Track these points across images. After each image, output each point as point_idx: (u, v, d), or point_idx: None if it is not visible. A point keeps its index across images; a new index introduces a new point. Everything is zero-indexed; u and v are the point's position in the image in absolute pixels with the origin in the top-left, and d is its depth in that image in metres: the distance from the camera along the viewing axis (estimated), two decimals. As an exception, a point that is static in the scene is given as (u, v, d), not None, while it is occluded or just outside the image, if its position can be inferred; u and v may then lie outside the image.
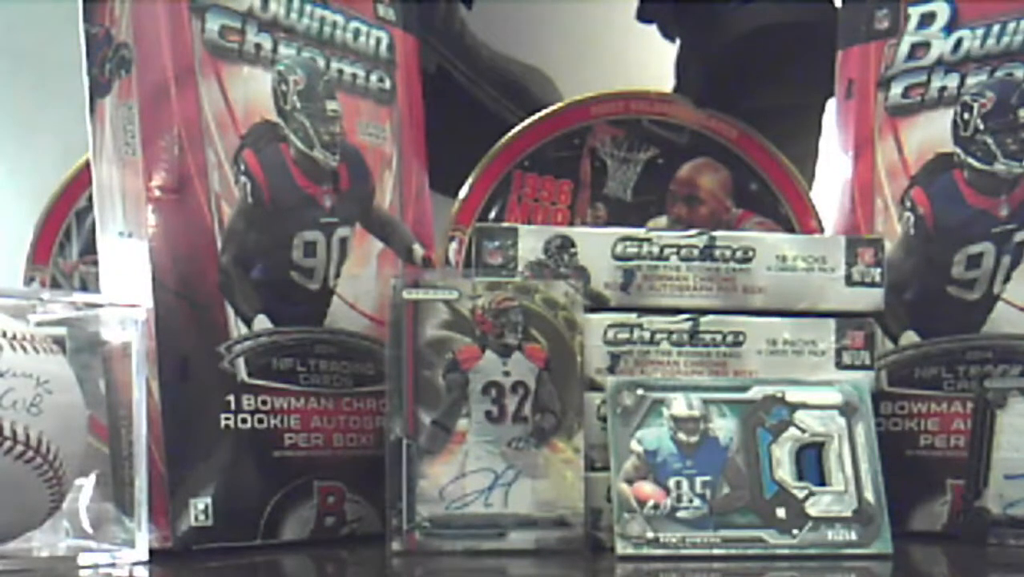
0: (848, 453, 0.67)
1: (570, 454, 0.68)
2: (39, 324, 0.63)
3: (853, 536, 0.65)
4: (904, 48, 0.79)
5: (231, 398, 0.69)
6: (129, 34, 0.68)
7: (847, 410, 0.68)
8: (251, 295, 0.70)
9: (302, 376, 0.72)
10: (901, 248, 0.78)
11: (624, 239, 0.71)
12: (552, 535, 0.67)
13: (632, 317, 0.70)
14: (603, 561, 0.65)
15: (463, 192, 0.89)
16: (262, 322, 0.70)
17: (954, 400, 0.75)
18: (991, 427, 0.70)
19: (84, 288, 0.92)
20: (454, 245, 0.88)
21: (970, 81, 0.77)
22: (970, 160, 0.76)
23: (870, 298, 0.73)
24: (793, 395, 0.68)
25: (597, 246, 0.71)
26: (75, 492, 0.64)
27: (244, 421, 0.69)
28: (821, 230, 0.88)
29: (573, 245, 0.71)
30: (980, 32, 0.77)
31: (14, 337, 0.59)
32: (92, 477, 0.66)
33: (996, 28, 0.76)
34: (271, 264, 0.71)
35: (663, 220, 0.91)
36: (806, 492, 0.66)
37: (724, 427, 0.67)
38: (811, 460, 0.67)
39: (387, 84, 0.79)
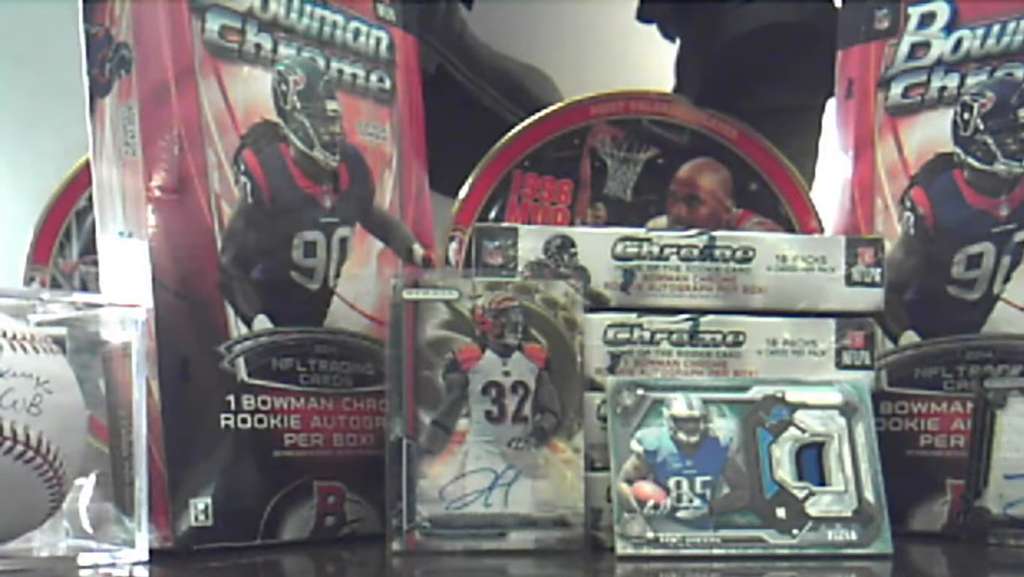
0: (848, 453, 0.67)
1: (570, 454, 0.68)
2: (39, 324, 0.63)
3: (853, 536, 0.65)
4: (904, 48, 0.79)
5: (231, 398, 0.69)
6: (129, 34, 0.68)
7: (847, 410, 0.68)
8: (251, 295, 0.70)
9: (302, 376, 0.72)
10: (901, 248, 0.78)
11: (624, 239, 0.71)
12: (552, 535, 0.67)
13: (632, 317, 0.70)
14: (603, 561, 0.65)
15: (463, 192, 0.89)
16: (262, 322, 0.70)
17: (954, 400, 0.75)
18: (991, 427, 0.70)
19: (84, 288, 0.92)
20: (454, 245, 0.88)
21: (970, 81, 0.77)
22: (970, 160, 0.76)
23: (870, 298, 0.73)
24: (793, 395, 0.68)
25: (597, 246, 0.71)
26: (75, 492, 0.64)
27: (244, 421, 0.69)
28: (821, 230, 0.88)
29: (573, 245, 0.71)
30: (980, 32, 0.77)
31: (14, 337, 0.60)
32: (92, 477, 0.66)
33: (996, 28, 0.76)
34: (271, 264, 0.71)
35: (663, 220, 0.91)
36: (806, 492, 0.66)
37: (724, 427, 0.67)
38: (811, 460, 0.67)
39: (387, 84, 0.79)
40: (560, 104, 0.93)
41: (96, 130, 0.70)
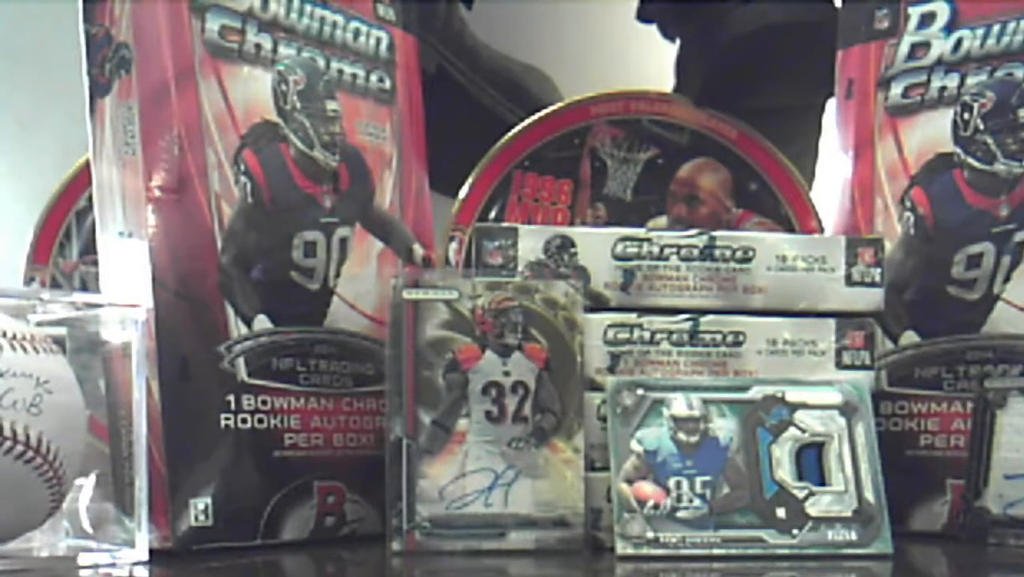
0: (848, 453, 0.67)
1: (570, 454, 0.68)
2: (39, 324, 0.63)
3: (853, 536, 0.65)
4: (904, 48, 0.79)
5: (231, 398, 0.69)
6: (129, 34, 0.68)
7: (847, 410, 0.68)
8: (251, 295, 0.70)
9: (302, 376, 0.72)
10: (901, 248, 0.78)
11: (624, 239, 0.71)
12: (552, 535, 0.67)
13: (632, 317, 0.70)
14: (603, 561, 0.65)
15: (463, 192, 0.89)
16: (262, 322, 0.70)
17: (954, 400, 0.75)
18: (991, 427, 0.70)
19: (84, 288, 0.92)
20: (454, 245, 0.88)
21: (970, 81, 0.77)
22: (970, 160, 0.76)
23: (870, 298, 0.73)
24: (793, 395, 0.68)
25: (597, 246, 0.71)
26: (75, 492, 0.64)
27: (244, 421, 0.69)
28: (821, 230, 0.88)
29: (573, 245, 0.71)
30: (980, 32, 0.77)
31: (14, 337, 0.60)
32: (92, 477, 0.66)
33: (996, 28, 0.76)
34: (271, 264, 0.71)
35: (663, 220, 0.91)
36: (806, 492, 0.66)
37: (724, 427, 0.67)
38: (811, 460, 0.67)
39: (387, 84, 0.79)
40: (560, 104, 0.92)
41: (96, 130, 0.70)
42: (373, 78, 0.78)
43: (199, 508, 0.67)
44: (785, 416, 0.68)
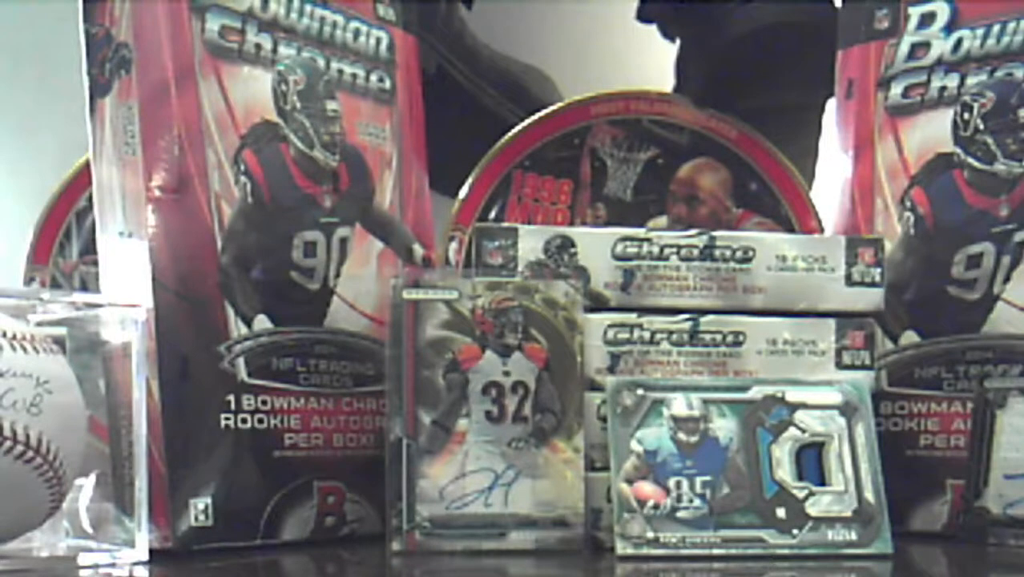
0: (848, 453, 0.67)
1: (570, 454, 0.68)
2: (39, 324, 0.63)
3: (853, 536, 0.65)
4: (904, 48, 0.79)
5: (231, 398, 0.69)
6: (129, 34, 0.68)
7: (847, 410, 0.68)
8: (251, 295, 0.70)
9: (302, 376, 0.72)
10: (901, 248, 0.78)
11: (624, 239, 0.71)
12: (552, 535, 0.67)
13: (632, 317, 0.70)
14: (603, 561, 0.65)
15: (463, 192, 0.89)
16: (262, 322, 0.70)
17: (954, 400, 0.75)
18: (991, 427, 0.70)
19: (84, 288, 0.92)
20: (454, 245, 0.88)
21: (970, 81, 0.77)
22: (970, 160, 0.76)
23: (870, 298, 0.73)
24: (793, 395, 0.68)
25: (597, 246, 0.71)
26: (75, 492, 0.64)
27: (244, 421, 0.69)
28: (821, 230, 0.88)
29: (573, 245, 0.71)
30: (980, 32, 0.77)
31: (14, 337, 0.59)
32: (92, 477, 0.66)
33: (996, 28, 0.76)
34: (271, 264, 0.71)
35: (663, 220, 0.91)
36: (806, 492, 0.66)
37: (724, 427, 0.67)
38: (811, 460, 0.67)
39: (387, 84, 0.79)
40: (560, 104, 0.93)
41: (96, 130, 0.70)
42: (373, 78, 0.78)
43: (199, 508, 0.67)
44: (785, 416, 0.68)
